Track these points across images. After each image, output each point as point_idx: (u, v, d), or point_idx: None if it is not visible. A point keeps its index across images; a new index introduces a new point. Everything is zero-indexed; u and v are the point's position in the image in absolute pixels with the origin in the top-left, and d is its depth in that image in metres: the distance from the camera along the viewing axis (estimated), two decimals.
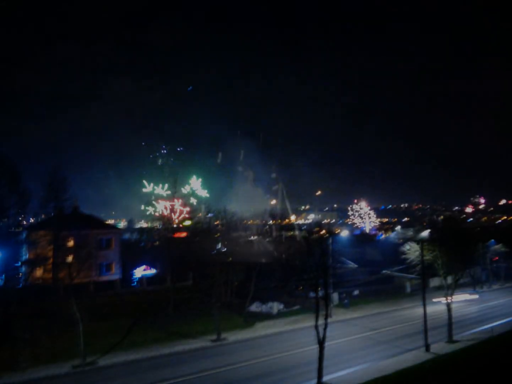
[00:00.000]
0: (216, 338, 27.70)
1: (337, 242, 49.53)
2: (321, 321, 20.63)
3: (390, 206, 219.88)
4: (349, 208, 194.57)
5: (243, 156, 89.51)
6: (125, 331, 27.01)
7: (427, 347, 26.00)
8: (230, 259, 38.35)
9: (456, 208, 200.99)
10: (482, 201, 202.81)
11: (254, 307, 35.60)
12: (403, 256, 31.01)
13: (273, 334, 29.72)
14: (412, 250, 30.02)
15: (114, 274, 41.03)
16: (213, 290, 30.40)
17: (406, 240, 32.91)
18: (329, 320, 32.96)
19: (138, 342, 26.58)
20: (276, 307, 35.53)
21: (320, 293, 34.01)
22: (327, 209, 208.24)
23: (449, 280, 30.22)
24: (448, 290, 28.78)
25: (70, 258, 29.18)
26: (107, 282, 38.51)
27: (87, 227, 37.01)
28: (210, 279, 33.42)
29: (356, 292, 42.01)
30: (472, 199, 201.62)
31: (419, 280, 44.49)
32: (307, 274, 23.68)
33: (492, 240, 52.12)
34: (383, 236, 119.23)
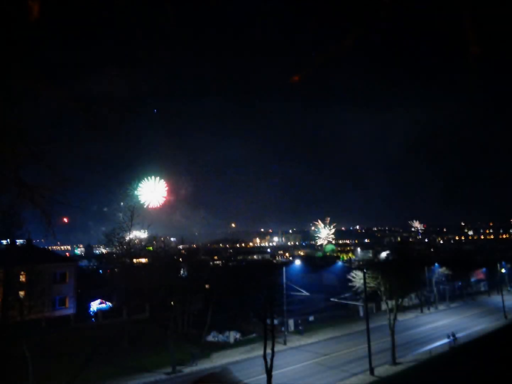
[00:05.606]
0: (171, 371, 28.04)
1: (294, 269, 51.33)
2: (277, 348, 21.79)
3: (351, 228, 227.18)
4: (311, 229, 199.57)
5: None
6: (78, 368, 26.80)
7: (372, 371, 27.76)
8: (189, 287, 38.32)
9: (412, 229, 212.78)
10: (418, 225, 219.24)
11: (211, 337, 36.12)
12: (350, 284, 33.01)
13: (229, 364, 30.36)
14: (357, 278, 32.10)
15: (68, 309, 40.05)
16: (170, 321, 30.85)
17: (352, 268, 34.82)
18: (283, 346, 34.45)
19: (91, 379, 26.46)
20: (232, 336, 36.23)
21: (276, 321, 35.22)
22: (290, 231, 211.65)
23: (394, 303, 32.40)
24: (391, 314, 30.95)
25: (22, 293, 28.60)
26: (60, 317, 37.57)
27: (41, 261, 36.23)
28: (167, 310, 33.87)
29: (311, 318, 43.45)
30: (409, 222, 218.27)
31: (373, 304, 46.94)
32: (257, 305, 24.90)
33: (436, 264, 55.91)
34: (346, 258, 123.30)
